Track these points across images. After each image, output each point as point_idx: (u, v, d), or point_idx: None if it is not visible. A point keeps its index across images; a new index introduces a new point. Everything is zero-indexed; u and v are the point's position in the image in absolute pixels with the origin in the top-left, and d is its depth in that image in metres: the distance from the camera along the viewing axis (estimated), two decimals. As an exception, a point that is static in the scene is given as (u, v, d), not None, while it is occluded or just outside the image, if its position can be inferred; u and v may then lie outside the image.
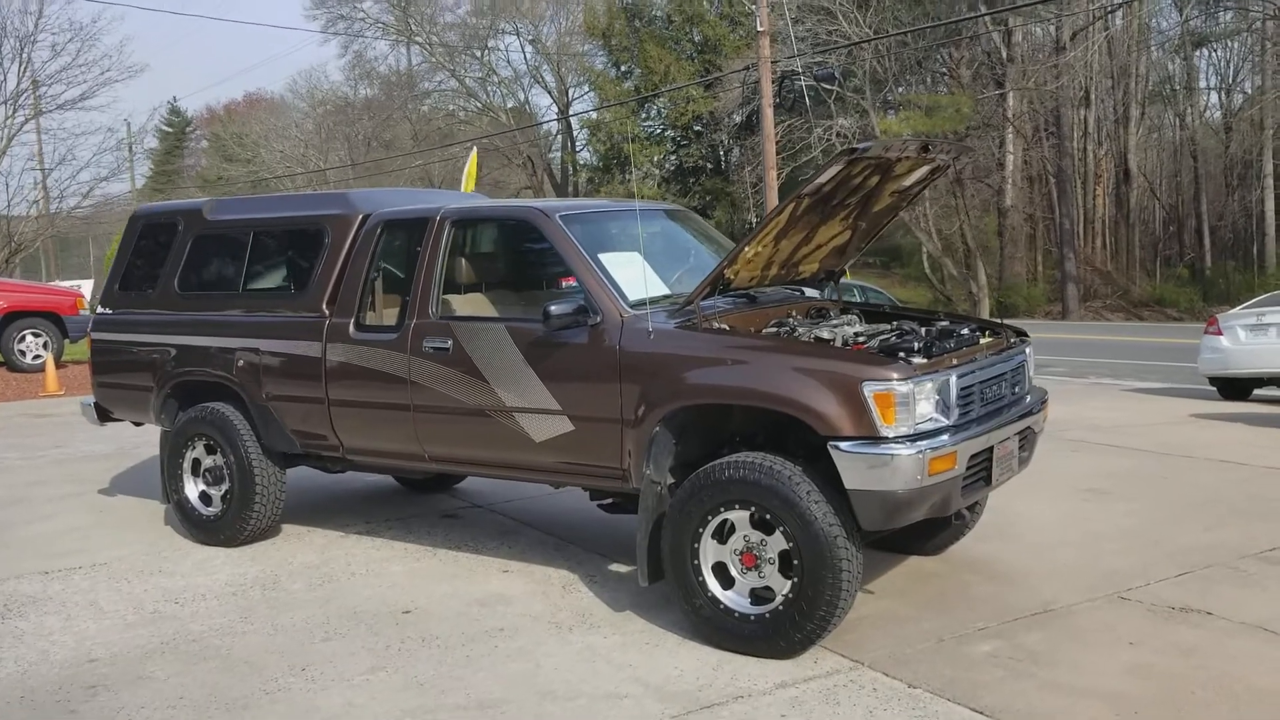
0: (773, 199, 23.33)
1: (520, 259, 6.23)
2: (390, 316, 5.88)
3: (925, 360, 4.68)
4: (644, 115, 49.41)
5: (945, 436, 4.55)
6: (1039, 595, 5.40)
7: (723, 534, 4.77)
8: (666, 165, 49.34)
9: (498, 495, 7.61)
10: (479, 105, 54.56)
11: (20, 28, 26.78)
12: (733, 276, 5.08)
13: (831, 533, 4.47)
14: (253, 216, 6.64)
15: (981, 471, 4.86)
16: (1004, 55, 35.81)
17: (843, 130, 35.52)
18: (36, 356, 15.15)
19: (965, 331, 5.38)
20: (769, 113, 22.95)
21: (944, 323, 5.62)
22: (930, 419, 4.55)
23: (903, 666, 4.56)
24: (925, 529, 5.88)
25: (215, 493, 6.50)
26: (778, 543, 4.62)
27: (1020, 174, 38.83)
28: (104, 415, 7.19)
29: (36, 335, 15.25)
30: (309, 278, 6.15)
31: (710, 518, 4.74)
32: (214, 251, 6.66)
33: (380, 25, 52.22)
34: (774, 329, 5.22)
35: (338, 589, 5.71)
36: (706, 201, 46.12)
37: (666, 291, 5.34)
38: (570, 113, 51.53)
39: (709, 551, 4.78)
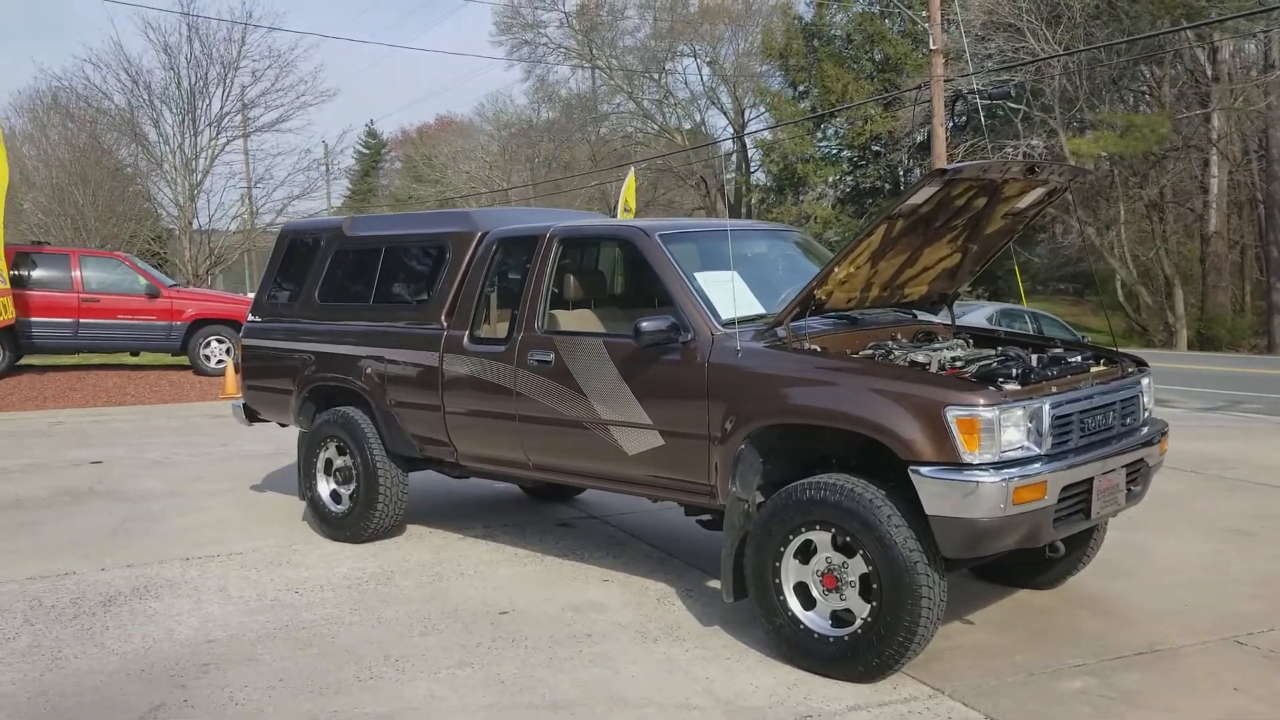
0: (942, 221, 22.83)
1: (625, 276, 6.36)
2: (502, 330, 6.10)
3: (1018, 387, 4.57)
4: (820, 135, 49.10)
5: (1035, 465, 4.43)
6: (1147, 635, 5.16)
7: (805, 554, 4.75)
8: (842, 186, 48.88)
9: (612, 507, 7.74)
10: (656, 127, 55.30)
11: (225, 54, 28.58)
12: (824, 297, 5.07)
13: (911, 558, 4.41)
14: (385, 233, 6.99)
15: (1080, 504, 4.69)
16: (1209, 73, 34.05)
17: (1030, 150, 34.46)
18: (219, 361, 16.19)
19: (1076, 359, 5.22)
20: (940, 132, 22.51)
21: (1057, 350, 5.46)
22: (1020, 447, 4.43)
23: (985, 698, 4.45)
24: (1036, 562, 5.73)
25: (344, 491, 6.85)
26: (858, 566, 4.58)
27: (1226, 199, 36.81)
28: (252, 416, 7.68)
29: (220, 341, 16.30)
30: (430, 291, 6.44)
31: (792, 538, 4.74)
32: (350, 265, 7.04)
33: (563, 50, 53.54)
34: (870, 351, 5.17)
35: (444, 587, 5.94)
36: (878, 222, 45.35)
37: (762, 311, 5.37)
38: (745, 133, 51.63)
39: (791, 571, 4.78)
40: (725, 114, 54.71)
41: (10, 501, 8.32)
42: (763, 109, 52.01)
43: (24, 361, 16.57)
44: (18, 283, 15.34)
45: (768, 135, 49.76)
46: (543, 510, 7.80)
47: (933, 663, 4.80)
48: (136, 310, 15.88)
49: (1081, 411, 4.72)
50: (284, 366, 7.18)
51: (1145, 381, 5.32)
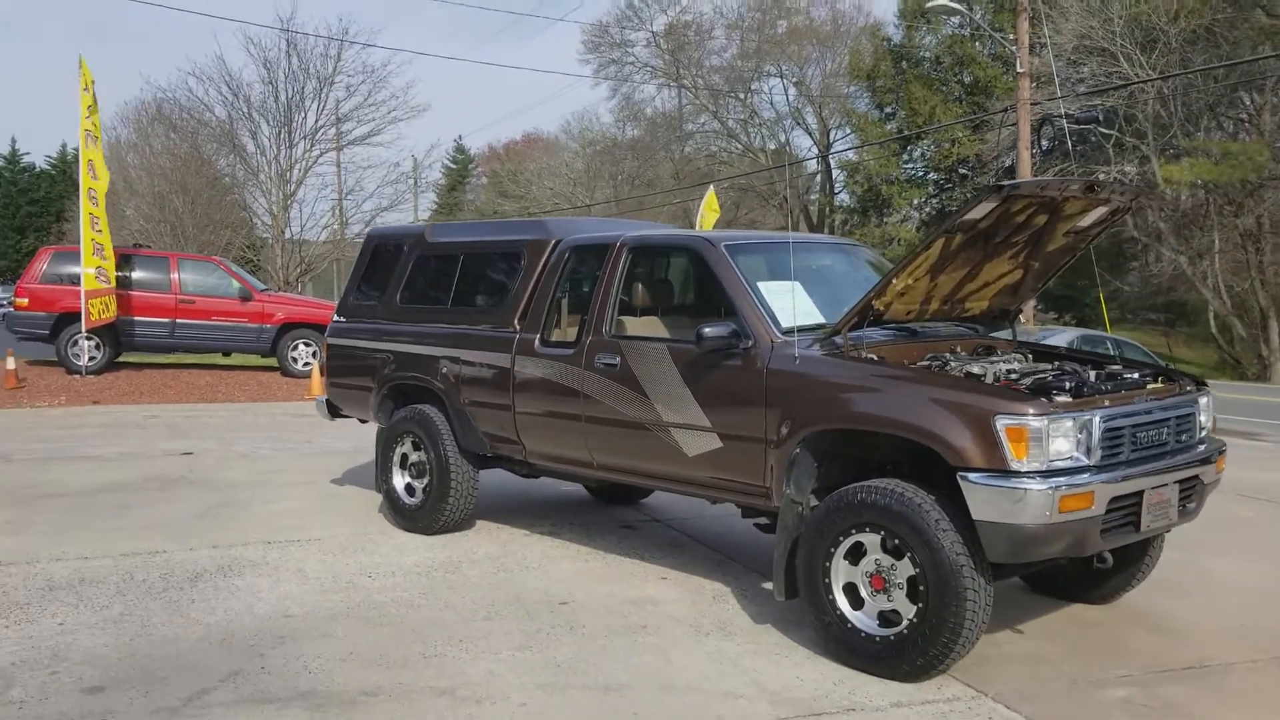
0: (1025, 245, 22.65)
1: (692, 284, 6.56)
2: (572, 334, 6.33)
3: (1069, 399, 4.67)
4: (906, 157, 48.88)
5: (1083, 475, 4.53)
6: (1198, 651, 5.20)
7: (855, 556, 4.90)
8: (928, 209, 48.55)
9: (674, 512, 7.94)
10: (740, 146, 55.47)
11: (320, 69, 29.47)
12: (883, 308, 5.21)
13: (958, 562, 4.53)
14: (464, 239, 7.30)
15: (1129, 516, 4.77)
16: (1314, 99, 33.23)
17: (1121, 176, 33.96)
18: (306, 364, 16.74)
19: (1133, 376, 5.30)
20: (1025, 155, 22.38)
21: (1115, 367, 5.54)
22: (1069, 457, 4.54)
23: (1026, 702, 4.55)
24: (1089, 576, 5.80)
25: (418, 485, 7.14)
26: (906, 568, 4.71)
27: (1329, 228, 35.79)
28: (334, 411, 8.02)
29: (307, 345, 16.86)
30: (505, 296, 6.71)
31: (842, 539, 4.89)
32: (431, 269, 7.35)
33: (649, 69, 54.02)
34: (927, 362, 5.30)
35: (509, 578, 6.18)
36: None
37: (823, 320, 5.52)
38: (829, 153, 51.54)
39: (840, 571, 4.93)
40: (810, 134, 54.69)
41: (106, 486, 8.77)
42: (848, 130, 51.92)
43: (121, 359, 17.30)
44: (119, 283, 16.05)
45: (852, 156, 49.67)
46: (608, 512, 8.01)
47: (979, 667, 4.90)
48: (230, 313, 16.51)
49: (1134, 425, 4.80)
50: (365, 365, 7.51)
51: (1203, 400, 5.37)
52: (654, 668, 4.85)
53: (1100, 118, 26.81)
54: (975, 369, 5.11)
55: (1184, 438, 5.16)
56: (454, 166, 79.35)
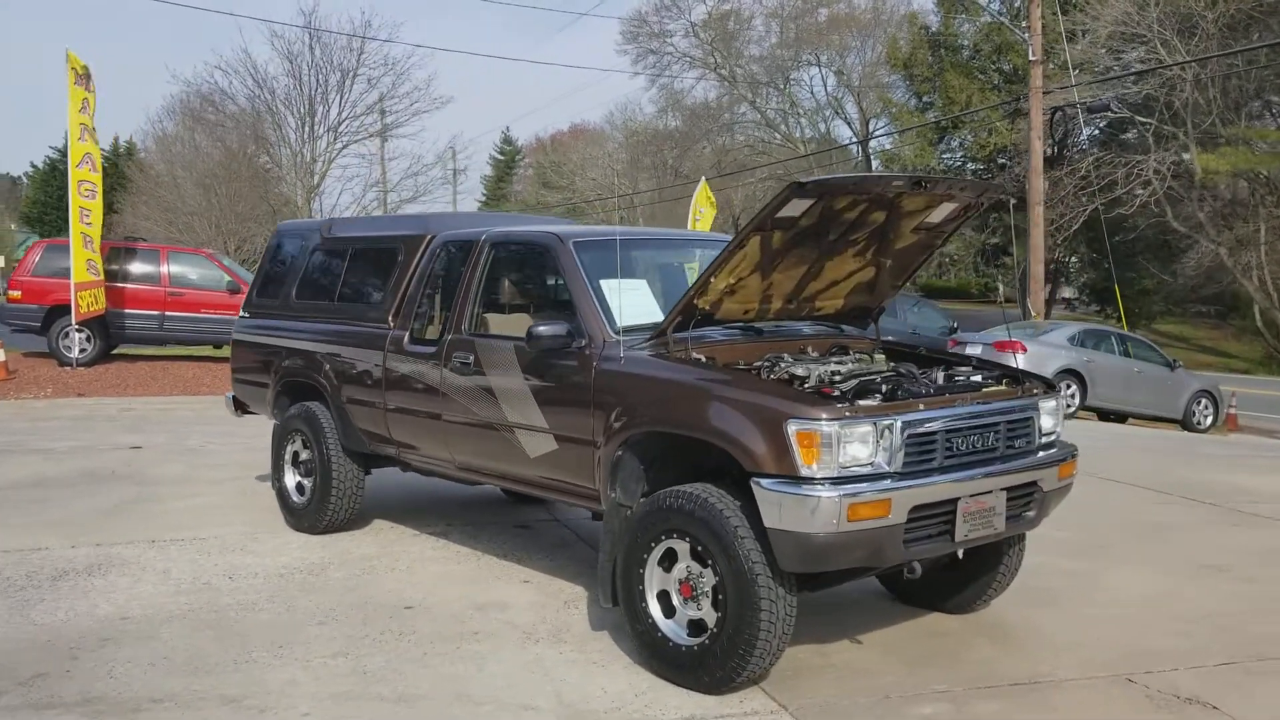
0: (1038, 237, 22.22)
1: (548, 281, 6.44)
2: (436, 332, 6.26)
3: (874, 402, 4.51)
4: (944, 147, 48.16)
5: (880, 483, 4.37)
6: (1035, 666, 5.02)
7: (669, 562, 4.78)
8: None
9: (580, 511, 7.81)
10: (779, 136, 55.00)
11: (343, 62, 29.69)
12: (708, 306, 5.07)
13: (754, 571, 4.40)
14: (354, 234, 7.26)
15: (941, 525, 4.60)
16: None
17: (1159, 165, 33.15)
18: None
19: (975, 379, 5.12)
20: (1037, 145, 21.92)
21: (964, 368, 5.37)
22: (866, 463, 4.38)
23: (826, 716, 4.41)
24: (947, 585, 5.64)
25: (307, 483, 7.12)
26: (710, 576, 4.59)
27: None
28: (240, 407, 8.03)
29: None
30: (383, 292, 6.65)
31: (654, 545, 4.78)
32: (324, 265, 7.32)
33: (687, 59, 53.74)
34: (759, 364, 5.15)
35: (369, 580, 6.13)
36: (1008, 239, 44.22)
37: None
38: (868, 145, 50.93)
39: (654, 578, 4.82)
40: (849, 124, 54.09)
41: (35, 480, 8.87)
42: (885, 120, 51.27)
43: (117, 351, 17.55)
44: (111, 276, 16.27)
45: (889, 145, 49.05)
46: (513, 511, 7.94)
47: (795, 679, 4.77)
48: (218, 305, 16.66)
49: (948, 430, 4.62)
50: (263, 361, 7.51)
51: (1048, 404, 5.16)
52: (461, 677, 4.76)
53: (1112, 108, 26.08)
54: (800, 370, 4.95)
55: (1019, 443, 4.97)
56: (501, 158, 79.64)
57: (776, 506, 4.32)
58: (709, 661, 4.54)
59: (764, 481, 4.36)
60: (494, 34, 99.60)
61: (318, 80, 29.95)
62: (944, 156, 48.17)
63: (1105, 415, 18.33)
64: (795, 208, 4.72)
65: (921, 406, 4.61)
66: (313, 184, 30.34)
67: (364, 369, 6.60)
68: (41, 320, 16.12)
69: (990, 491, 4.74)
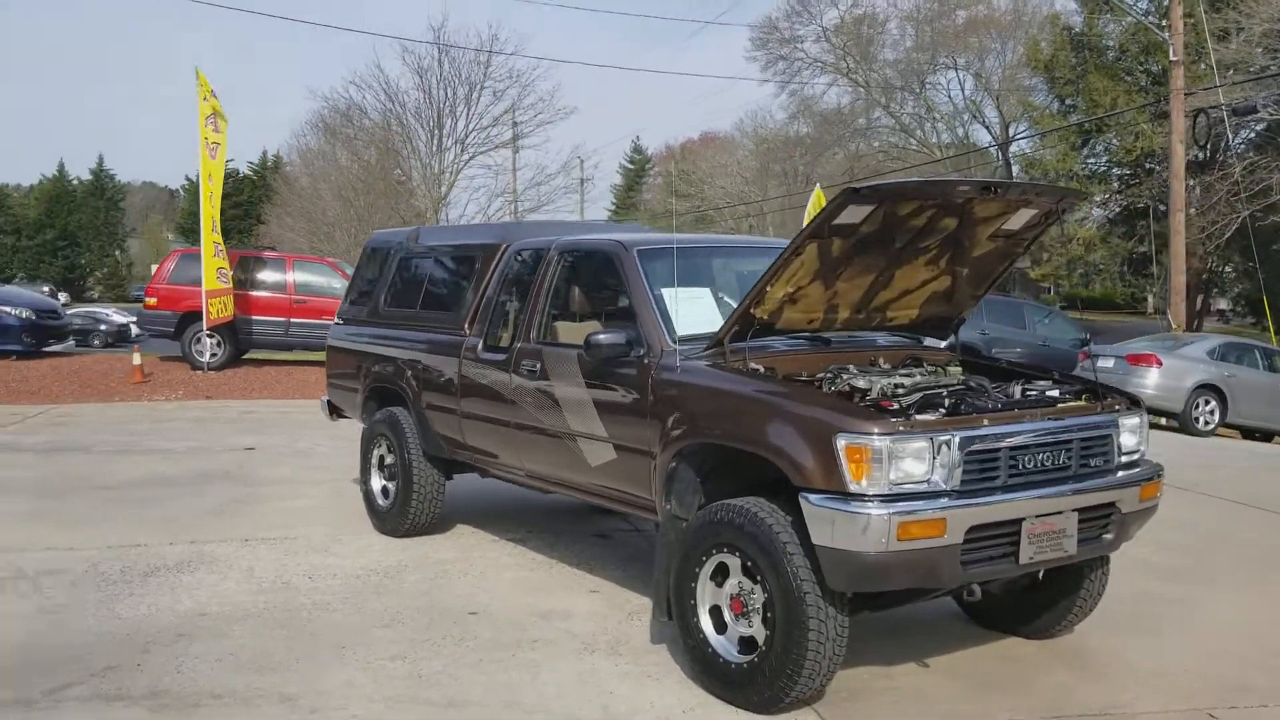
0: (1179, 246, 21.26)
1: (614, 289, 6.40)
2: (509, 339, 6.29)
3: (930, 417, 4.35)
4: (1087, 152, 46.46)
5: (934, 501, 4.20)
6: (1116, 696, 4.76)
7: (721, 577, 4.70)
8: (1111, 206, 46.06)
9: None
10: (915, 142, 53.96)
11: (470, 75, 30.31)
12: (766, 315, 4.96)
13: (802, 589, 4.28)
14: (438, 244, 7.36)
15: (1004, 547, 4.39)
16: None
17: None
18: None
19: (1046, 394, 4.89)
20: (1179, 149, 21.01)
21: (1042, 382, 5.13)
22: (922, 480, 4.22)
23: (878, 743, 4.26)
24: (1026, 609, 5.39)
25: (391, 487, 7.24)
26: (761, 592, 4.48)
27: None
28: (335, 411, 8.23)
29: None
30: (461, 300, 6.73)
31: (705, 559, 4.69)
32: (411, 273, 7.44)
33: (819, 65, 53.17)
34: (824, 375, 5.01)
35: (441, 585, 6.20)
36: (1158, 246, 42.45)
37: None
38: (1006, 150, 49.50)
39: (706, 593, 4.73)
40: (989, 129, 52.73)
41: (151, 479, 9.25)
42: (1025, 124, 49.76)
43: (249, 356, 18.24)
44: (241, 285, 16.93)
45: (1028, 150, 47.57)
46: (595, 521, 7.92)
47: (853, 700, 4.63)
48: (340, 312, 17.14)
49: (1013, 447, 4.41)
50: (354, 367, 7.68)
51: (1130, 421, 4.89)
52: (513, 685, 4.76)
53: (1260, 110, 24.70)
54: (861, 383, 4.80)
55: (1095, 462, 4.71)
56: (631, 167, 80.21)
57: (825, 523, 4.19)
58: (758, 680, 4.44)
59: (812, 497, 4.24)
60: (625, 43, 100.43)
61: (446, 94, 30.70)
62: (1088, 161, 46.46)
63: (1250, 434, 17.39)
64: (854, 214, 4.58)
65: (985, 422, 4.41)
66: (440, 195, 31.04)
67: (441, 376, 6.68)
68: (175, 326, 16.85)
69: (1060, 512, 4.50)
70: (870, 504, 4.12)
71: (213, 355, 16.82)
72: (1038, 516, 4.43)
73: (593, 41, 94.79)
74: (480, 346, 6.40)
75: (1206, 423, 16.55)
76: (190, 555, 6.75)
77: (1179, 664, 5.16)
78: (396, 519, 7.12)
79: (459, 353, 6.53)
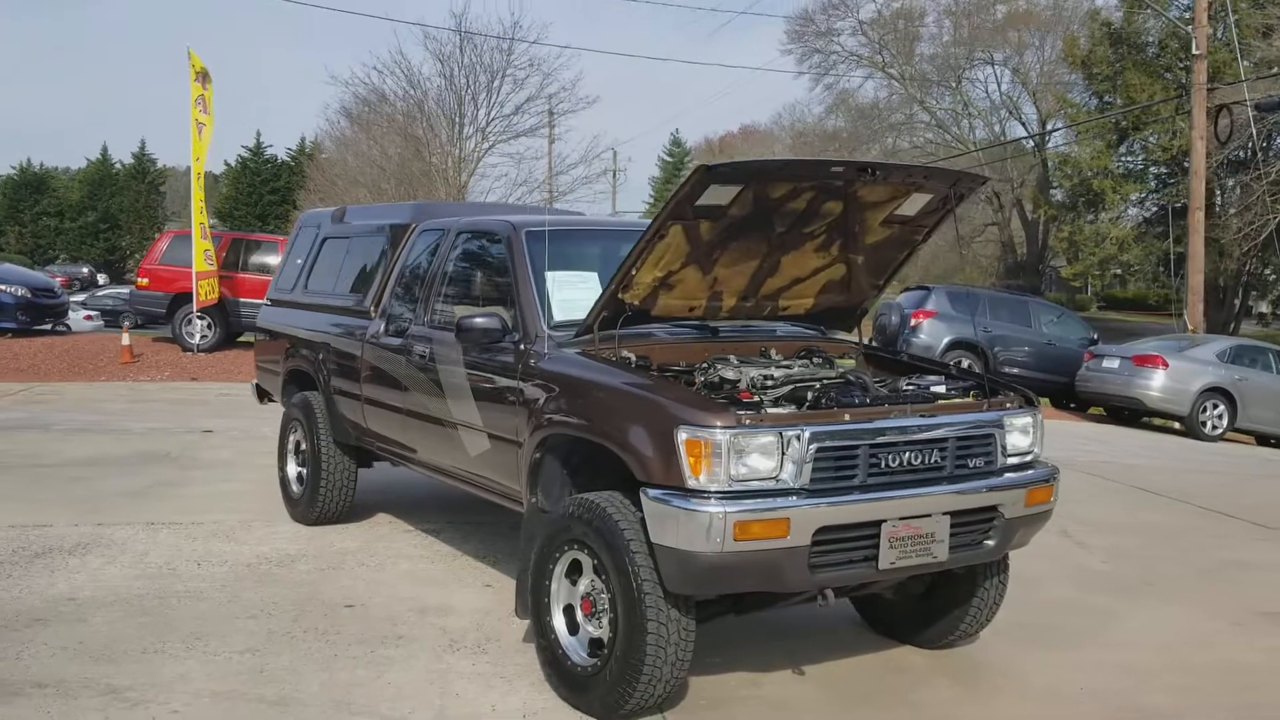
0: (1197, 245, 20.66)
1: (505, 272, 6.13)
2: (406, 322, 6.05)
3: (782, 410, 4.06)
4: (1124, 150, 45.50)
5: (780, 500, 3.91)
6: (991, 715, 4.44)
7: (575, 575, 4.43)
8: (1148, 205, 45.15)
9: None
10: (949, 137, 53.17)
11: (491, 63, 30.07)
12: (635, 301, 4.68)
13: (642, 589, 4.01)
14: (356, 223, 7.13)
15: (863, 550, 4.09)
16: None
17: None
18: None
19: (931, 389, 4.59)
20: (1199, 145, 20.43)
21: (933, 378, 4.82)
22: (768, 478, 3.93)
23: (718, 757, 3.98)
24: (920, 617, 5.08)
25: (305, 473, 7.04)
26: (608, 592, 4.22)
27: None
28: (262, 395, 8.05)
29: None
30: (370, 281, 6.50)
31: (559, 556, 4.44)
32: (331, 254, 7.22)
33: (854, 58, 52.50)
34: (701, 365, 4.72)
35: (330, 575, 5.97)
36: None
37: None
38: (1043, 147, 48.61)
39: (561, 591, 4.48)
40: (1025, 125, 51.84)
41: (92, 459, 9.12)
42: (1061, 121, 48.84)
43: (245, 339, 18.16)
44: (233, 267, 16.83)
45: (1064, 147, 46.70)
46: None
47: (711, 709, 4.39)
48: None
49: (874, 445, 4.11)
50: (275, 349, 7.48)
51: (1020, 420, 4.56)
52: (354, 684, 4.52)
53: (1281, 103, 23.91)
54: (731, 374, 4.52)
55: (973, 462, 4.40)
56: (669, 159, 79.83)
57: (661, 521, 3.93)
58: (600, 686, 4.18)
59: (652, 492, 3.97)
60: (654, 33, 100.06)
61: (468, 81, 30.47)
62: (1124, 159, 45.52)
63: (1265, 440, 16.82)
64: (718, 195, 4.29)
65: (846, 417, 4.11)
66: (461, 183, 30.85)
67: (347, 360, 6.47)
68: (166, 307, 16.79)
69: (928, 515, 4.19)
70: (708, 501, 3.84)
71: (203, 337, 16.75)
72: (901, 519, 4.12)
73: (622, 30, 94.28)
74: (382, 330, 6.16)
75: (1214, 427, 16.01)
76: (90, 538, 6.58)
77: (1077, 680, 4.83)
78: (306, 506, 6.92)
79: (364, 336, 6.30)
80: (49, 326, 17.78)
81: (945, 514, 4.23)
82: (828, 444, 4.01)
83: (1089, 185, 43.95)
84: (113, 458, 9.23)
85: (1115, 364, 16.62)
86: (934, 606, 5.01)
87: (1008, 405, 4.58)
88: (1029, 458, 4.61)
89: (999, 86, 52.51)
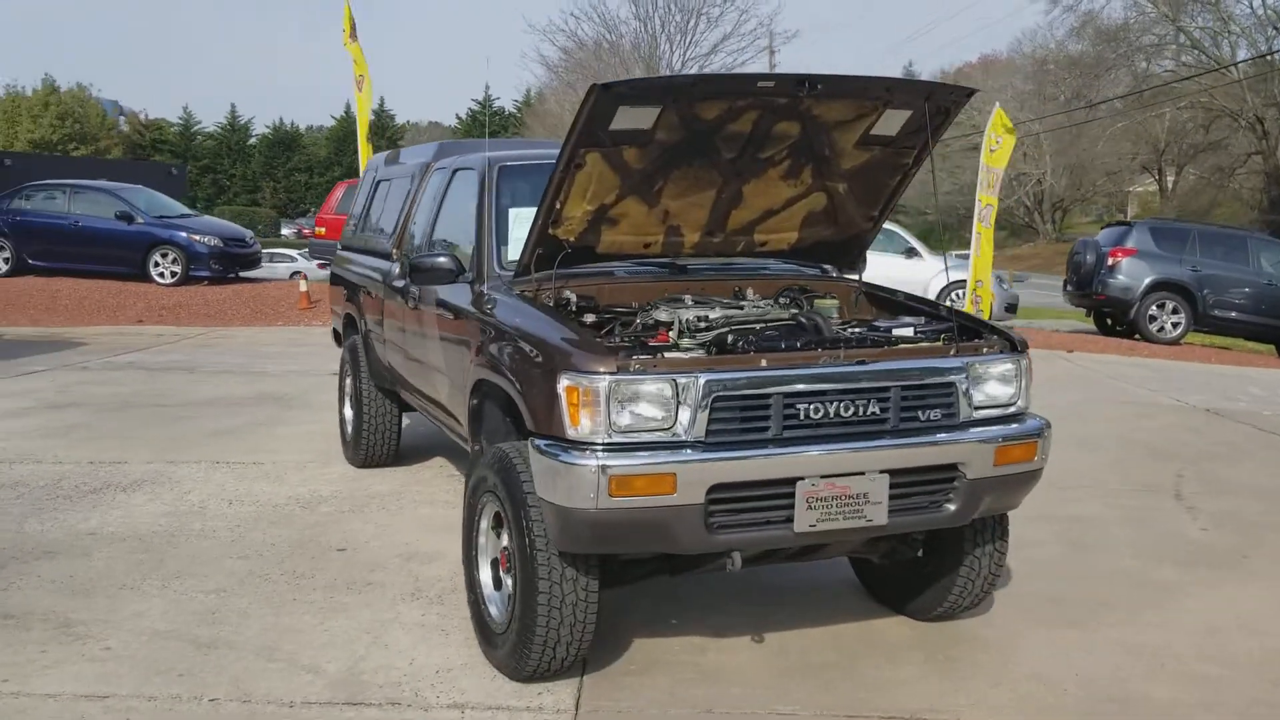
0: None
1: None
2: (413, 264, 5.92)
3: (681, 355, 3.67)
4: None
5: (668, 453, 3.54)
6: (946, 700, 3.95)
7: (500, 527, 4.20)
8: None
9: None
10: (1208, 59, 48.73)
11: (687, 2, 29.68)
12: (571, 237, 4.34)
13: (533, 545, 3.75)
14: (398, 164, 7.03)
15: (776, 511, 3.67)
16: None
17: None
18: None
19: (889, 331, 4.08)
20: None
21: (906, 319, 4.29)
22: (659, 429, 3.57)
23: (617, 726, 3.70)
24: (910, 585, 4.59)
25: (352, 416, 7.08)
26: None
27: None
28: (338, 339, 8.14)
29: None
30: (396, 222, 6.41)
31: (480, 506, 4.22)
32: (380, 198, 7.17)
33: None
34: (645, 306, 4.36)
35: (341, 519, 5.98)
36: None
37: None
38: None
39: (488, 544, 4.26)
40: (1292, 42, 46.82)
41: (211, 400, 9.54)
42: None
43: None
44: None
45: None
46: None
47: (639, 675, 4.12)
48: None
49: (788, 393, 3.66)
50: (338, 294, 7.54)
51: (997, 368, 3.98)
52: (291, 630, 4.48)
53: None
54: (665, 316, 4.14)
55: (929, 415, 3.86)
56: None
57: (542, 473, 3.64)
58: (508, 644, 3.95)
59: (538, 442, 3.68)
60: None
61: (661, 24, 30.25)
62: None
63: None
64: (634, 118, 3.91)
65: (763, 363, 3.68)
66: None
67: (375, 303, 6.42)
68: (340, 254, 17.41)
69: (860, 474, 3.71)
70: (586, 454, 3.52)
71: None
72: (823, 477, 3.66)
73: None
74: (395, 272, 6.07)
75: None
76: (152, 475, 6.84)
77: (1076, 664, 4.23)
78: (353, 448, 6.97)
79: (387, 279, 6.23)
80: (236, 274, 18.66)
81: (883, 472, 3.73)
82: (727, 393, 3.59)
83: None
84: (232, 398, 9.62)
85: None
86: (924, 575, 4.49)
87: (984, 350, 4.00)
88: (1010, 410, 4.02)
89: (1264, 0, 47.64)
